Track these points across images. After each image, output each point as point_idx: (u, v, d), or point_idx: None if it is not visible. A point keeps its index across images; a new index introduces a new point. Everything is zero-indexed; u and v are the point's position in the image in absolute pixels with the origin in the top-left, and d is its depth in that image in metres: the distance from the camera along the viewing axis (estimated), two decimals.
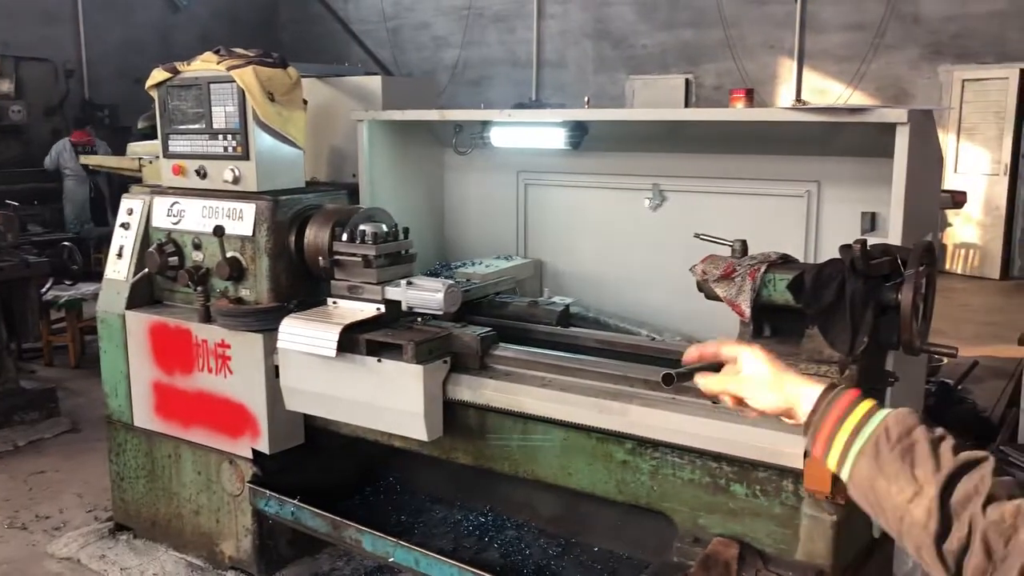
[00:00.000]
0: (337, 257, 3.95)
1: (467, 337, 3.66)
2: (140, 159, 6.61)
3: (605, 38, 16.59)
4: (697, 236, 3.30)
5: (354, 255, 3.90)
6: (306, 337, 3.70)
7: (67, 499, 5.60)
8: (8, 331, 6.55)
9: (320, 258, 4.07)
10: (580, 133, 4.38)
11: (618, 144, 4.42)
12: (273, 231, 4.20)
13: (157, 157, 5.12)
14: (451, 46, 18.40)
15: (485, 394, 3.55)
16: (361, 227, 3.92)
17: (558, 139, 4.40)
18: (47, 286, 7.52)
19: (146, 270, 4.57)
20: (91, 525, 5.21)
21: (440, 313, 3.71)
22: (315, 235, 4.19)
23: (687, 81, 15.69)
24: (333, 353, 3.59)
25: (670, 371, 1.91)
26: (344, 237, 3.95)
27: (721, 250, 3.23)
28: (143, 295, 4.64)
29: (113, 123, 15.40)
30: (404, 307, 3.76)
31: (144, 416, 4.64)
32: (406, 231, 4.01)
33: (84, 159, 9.80)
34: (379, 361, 3.60)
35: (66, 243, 7.70)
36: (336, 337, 3.59)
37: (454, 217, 5.10)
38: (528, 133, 4.54)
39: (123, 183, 5.97)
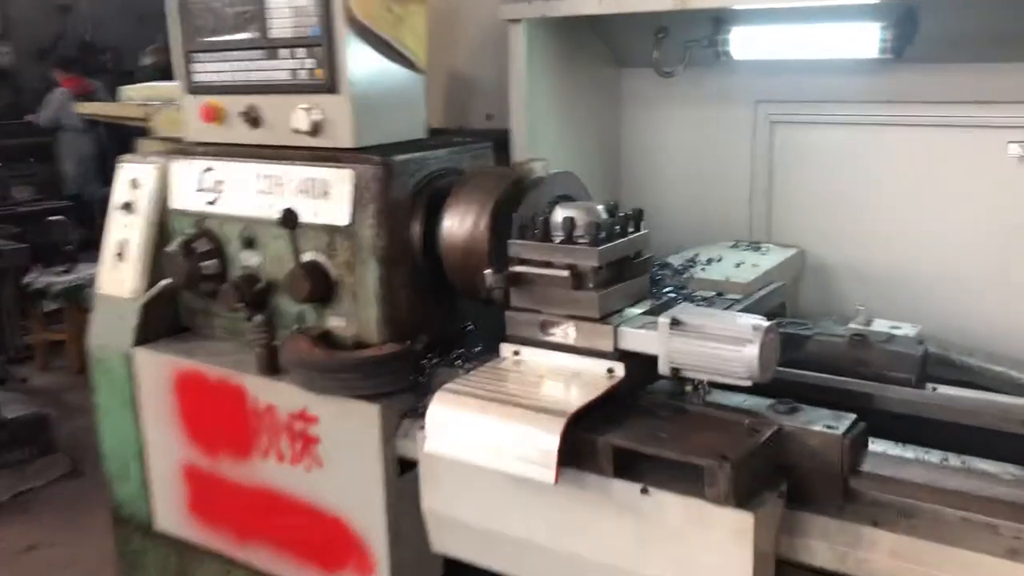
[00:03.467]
0: (518, 269, 2.12)
1: (816, 438, 1.83)
2: (147, 104, 4.73)
3: None
4: None
5: (550, 265, 2.08)
6: (483, 437, 1.89)
7: None
8: None
9: (477, 268, 2.26)
10: (907, 29, 2.50)
11: (967, 50, 2.54)
12: (387, 217, 2.38)
13: (171, 103, 3.29)
14: None
15: (871, 563, 1.74)
16: (561, 213, 2.10)
17: (864, 41, 2.53)
18: (33, 275, 5.69)
19: (166, 282, 2.76)
20: None
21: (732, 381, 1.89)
22: (462, 226, 2.36)
23: None
24: (551, 477, 1.79)
25: None
26: (524, 232, 2.12)
27: None
28: (162, 322, 2.85)
29: (117, 67, 13.46)
30: (664, 366, 1.94)
31: (171, 516, 2.86)
32: (637, 216, 2.18)
33: (80, 107, 7.90)
34: (645, 493, 1.79)
35: (55, 216, 5.84)
36: (556, 445, 1.78)
37: (640, 178, 3.25)
38: (797, 34, 2.66)
39: (125, 139, 4.13)
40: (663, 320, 1.93)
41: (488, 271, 2.13)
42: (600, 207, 2.14)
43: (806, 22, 2.62)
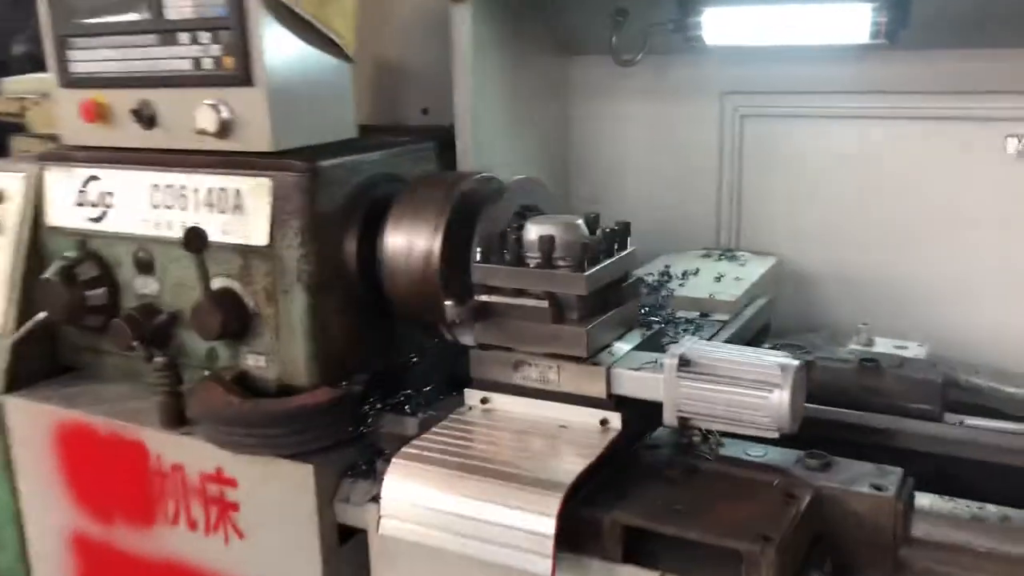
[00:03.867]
0: (485, 299, 1.75)
1: (863, 502, 1.51)
2: (23, 98, 4.15)
3: None
4: None
5: (524, 294, 1.72)
6: (455, 519, 1.51)
7: None
8: None
9: (427, 295, 1.88)
10: (902, 11, 2.22)
11: (964, 34, 2.27)
12: (314, 235, 1.97)
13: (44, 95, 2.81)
14: None
15: None
16: (536, 230, 1.73)
17: (853, 25, 2.24)
18: None
19: (41, 316, 2.28)
20: None
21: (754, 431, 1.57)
22: (409, 245, 1.96)
23: None
24: (546, 568, 1.42)
25: None
26: (489, 253, 1.75)
27: None
28: (38, 363, 2.36)
29: None
30: (670, 415, 1.60)
31: None
32: (623, 231, 1.82)
33: None
34: None
35: None
36: (552, 529, 1.42)
37: (594, 179, 2.90)
38: (778, 17, 2.35)
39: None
40: (669, 360, 1.58)
41: (449, 303, 1.75)
42: (579, 221, 1.78)
43: (789, 2, 2.31)
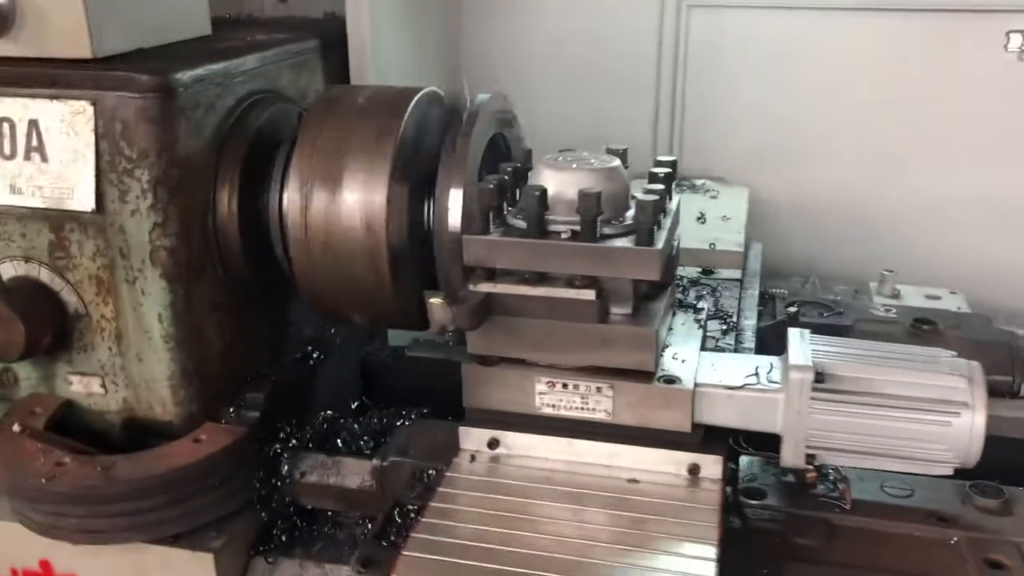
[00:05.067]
0: (493, 289, 1.12)
1: None
2: None
3: None
4: None
5: (550, 281, 1.12)
6: None
7: None
8: None
9: (371, 283, 1.24)
10: None
11: None
12: (173, 190, 1.25)
13: None
14: None
15: None
16: (557, 178, 1.12)
17: None
18: None
19: None
20: None
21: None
22: (332, 204, 1.27)
23: None
24: None
25: None
26: (477, 217, 1.13)
27: None
28: None
29: None
30: (794, 453, 1.08)
31: None
32: (670, 173, 1.24)
33: None
34: None
35: None
36: None
37: (488, 84, 2.26)
38: None
39: None
40: (800, 376, 1.05)
41: (437, 300, 1.11)
42: (618, 163, 1.19)
43: None
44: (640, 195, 1.11)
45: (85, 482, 1.22)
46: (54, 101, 1.25)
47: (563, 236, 1.11)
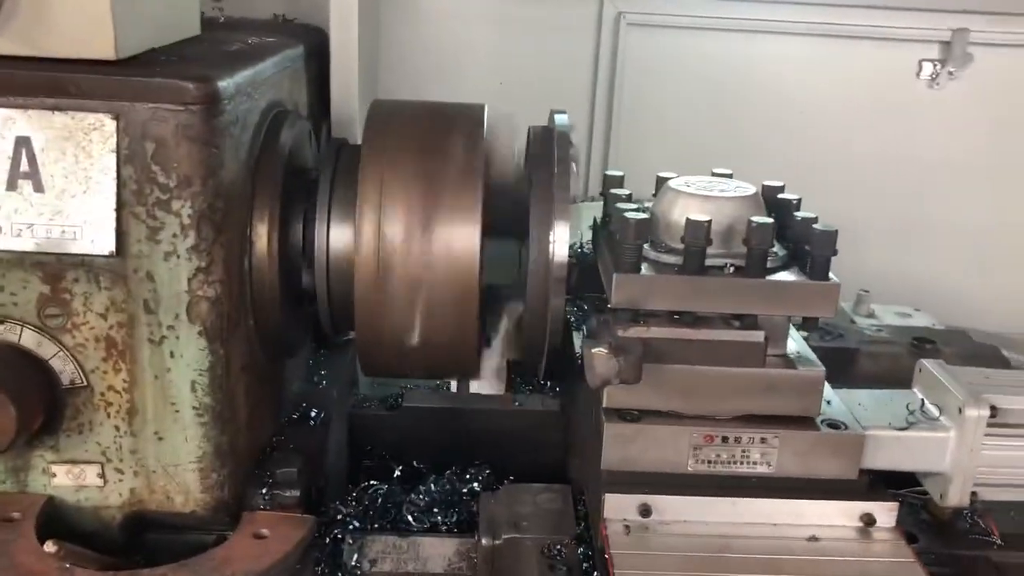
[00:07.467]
0: (657, 335, 0.99)
1: None
2: None
3: None
4: None
5: (704, 323, 1.00)
6: None
7: None
8: None
9: (458, 337, 1.08)
10: None
11: None
12: (219, 225, 1.00)
13: None
14: None
15: None
16: (723, 210, 1.02)
17: None
18: None
19: None
20: None
21: None
22: (411, 239, 1.07)
23: None
24: None
25: None
26: (628, 253, 1.00)
27: None
28: None
29: None
30: (958, 492, 1.03)
31: None
32: (790, 202, 1.16)
33: None
34: None
35: None
36: None
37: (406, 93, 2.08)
38: None
39: None
40: (976, 413, 1.00)
41: (601, 350, 0.95)
42: (752, 189, 1.09)
43: None
44: (817, 225, 1.02)
45: None
46: (56, 113, 0.96)
47: (728, 272, 0.99)
